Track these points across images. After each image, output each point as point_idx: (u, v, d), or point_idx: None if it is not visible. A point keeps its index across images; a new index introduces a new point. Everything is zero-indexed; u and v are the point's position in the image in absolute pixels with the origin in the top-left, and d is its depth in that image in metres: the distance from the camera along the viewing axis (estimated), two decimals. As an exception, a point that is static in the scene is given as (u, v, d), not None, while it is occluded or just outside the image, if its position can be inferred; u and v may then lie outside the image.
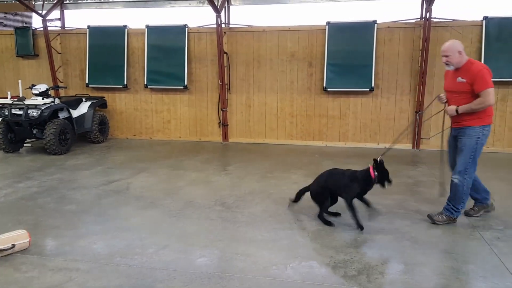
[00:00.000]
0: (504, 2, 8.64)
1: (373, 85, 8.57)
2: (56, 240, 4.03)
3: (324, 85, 8.80)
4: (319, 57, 8.88)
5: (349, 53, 8.58)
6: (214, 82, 9.50)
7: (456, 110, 4.24)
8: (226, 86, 9.38)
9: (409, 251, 3.83)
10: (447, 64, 4.30)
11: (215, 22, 8.98)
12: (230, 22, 9.48)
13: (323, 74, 8.84)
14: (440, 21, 8.33)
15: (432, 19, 8.17)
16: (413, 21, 8.54)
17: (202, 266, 3.51)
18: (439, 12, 8.28)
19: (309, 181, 6.11)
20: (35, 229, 4.25)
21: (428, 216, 4.56)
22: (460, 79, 4.22)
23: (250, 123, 9.55)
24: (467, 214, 4.69)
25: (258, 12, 9.64)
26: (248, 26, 9.27)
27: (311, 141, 9.24)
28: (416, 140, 8.67)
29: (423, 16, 8.38)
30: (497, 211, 4.74)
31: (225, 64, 9.29)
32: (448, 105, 4.41)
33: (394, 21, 8.59)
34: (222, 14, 9.15)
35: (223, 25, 9.16)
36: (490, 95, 4.07)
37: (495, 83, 8.21)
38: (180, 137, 9.87)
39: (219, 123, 9.63)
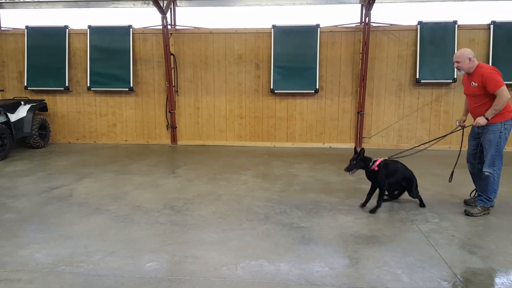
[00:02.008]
0: (436, 8, 9.25)
1: (317, 87, 8.85)
2: (-6, 251, 3.83)
3: (271, 87, 8.97)
4: (266, 59, 9.05)
5: (294, 56, 8.83)
6: (161, 84, 9.39)
7: (486, 118, 4.58)
8: (173, 88, 9.30)
9: (352, 246, 4.01)
10: (458, 69, 4.71)
11: (160, 23, 8.88)
12: (177, 24, 9.41)
13: (270, 76, 9.02)
14: (379, 26, 8.76)
15: (371, 24, 8.57)
16: (354, 25, 8.92)
17: (151, 271, 3.48)
18: (377, 17, 8.73)
19: (258, 182, 6.27)
20: (-30, 241, 4.02)
21: (465, 211, 4.87)
22: (473, 83, 4.64)
23: (199, 125, 9.53)
24: (465, 202, 5.25)
25: (205, 14, 9.64)
26: (195, 27, 9.26)
27: (259, 142, 9.38)
28: (358, 139, 9.04)
29: (363, 21, 8.78)
30: (433, 205, 5.08)
31: (172, 66, 9.21)
32: (469, 111, 4.89)
33: (336, 25, 8.92)
34: (168, 15, 9.06)
35: (169, 27, 9.08)
36: (504, 91, 4.45)
37: (429, 84, 8.86)
38: (126, 140, 9.65)
39: (167, 125, 9.52)
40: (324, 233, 4.30)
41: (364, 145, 9.07)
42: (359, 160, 4.82)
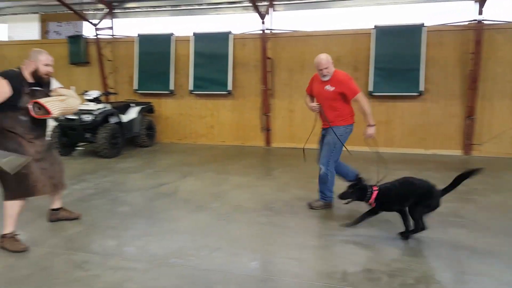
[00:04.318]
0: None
1: (421, 89, 8.35)
2: (114, 240, 4.17)
3: (370, 89, 8.65)
4: (365, 61, 8.77)
5: (396, 57, 8.43)
6: (257, 87, 9.56)
7: (373, 126, 4.89)
8: (269, 91, 9.42)
9: (467, 261, 3.69)
10: (325, 75, 4.83)
11: (259, 28, 9.06)
12: (274, 28, 9.52)
13: (368, 78, 8.71)
14: (493, 24, 8.01)
15: (484, 22, 7.87)
16: (465, 23, 8.25)
17: (256, 269, 3.53)
18: (491, 14, 7.99)
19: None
20: (93, 229, 4.44)
21: (308, 204, 5.13)
22: (329, 87, 4.83)
23: (292, 128, 9.53)
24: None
25: (303, 17, 9.65)
26: (293, 31, 9.29)
27: (355, 146, 9.06)
28: (467, 146, 8.34)
29: (475, 18, 8.08)
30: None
31: (269, 69, 9.34)
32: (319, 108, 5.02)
33: (444, 24, 8.34)
34: (266, 20, 9.20)
35: (267, 31, 9.21)
36: (362, 96, 4.84)
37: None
38: (223, 142, 9.98)
39: (261, 128, 9.67)
40: (434, 245, 4.01)
41: (474, 153, 8.34)
42: (357, 190, 4.17)
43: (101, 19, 10.29)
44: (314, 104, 5.04)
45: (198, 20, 10.52)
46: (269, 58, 9.32)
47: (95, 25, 10.21)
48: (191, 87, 9.79)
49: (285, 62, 9.35)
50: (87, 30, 11.05)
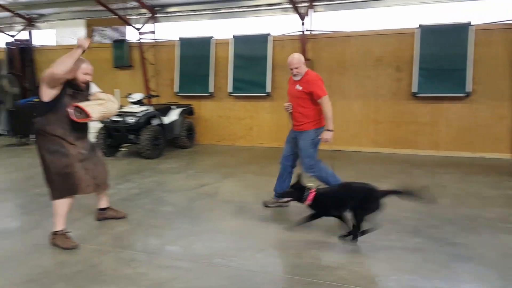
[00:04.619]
0: None
1: (468, 90, 8.03)
2: (159, 239, 4.26)
3: (415, 90, 8.41)
4: (408, 61, 8.53)
5: (442, 57, 8.14)
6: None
7: (331, 131, 4.83)
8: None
9: (523, 270, 3.51)
10: (296, 74, 4.84)
11: (299, 30, 9.02)
12: (314, 29, 9.44)
13: (411, 79, 8.48)
14: (546, 20, 7.62)
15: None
16: (514, 21, 7.89)
17: (301, 273, 3.49)
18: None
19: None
20: (139, 228, 4.55)
21: None
22: (298, 86, 4.83)
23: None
24: (265, 204, 5.28)
25: (343, 18, 9.52)
26: (333, 32, 9.19)
27: (397, 148, 8.87)
28: (516, 149, 7.97)
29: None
30: None
31: (308, 71, 9.26)
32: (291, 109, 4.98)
33: (492, 22, 8.01)
34: (306, 21, 9.14)
35: (307, 32, 9.16)
36: (327, 99, 4.73)
37: None
38: (261, 143, 9.98)
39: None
40: (486, 252, 3.85)
41: (525, 156, 7.95)
42: (295, 190, 4.19)
43: (144, 24, 10.57)
44: (287, 103, 5.06)
45: (237, 22, 10.58)
46: (308, 59, 9.22)
47: (138, 29, 10.50)
48: (230, 89, 9.87)
49: (324, 63, 9.25)
50: (131, 35, 11.35)
